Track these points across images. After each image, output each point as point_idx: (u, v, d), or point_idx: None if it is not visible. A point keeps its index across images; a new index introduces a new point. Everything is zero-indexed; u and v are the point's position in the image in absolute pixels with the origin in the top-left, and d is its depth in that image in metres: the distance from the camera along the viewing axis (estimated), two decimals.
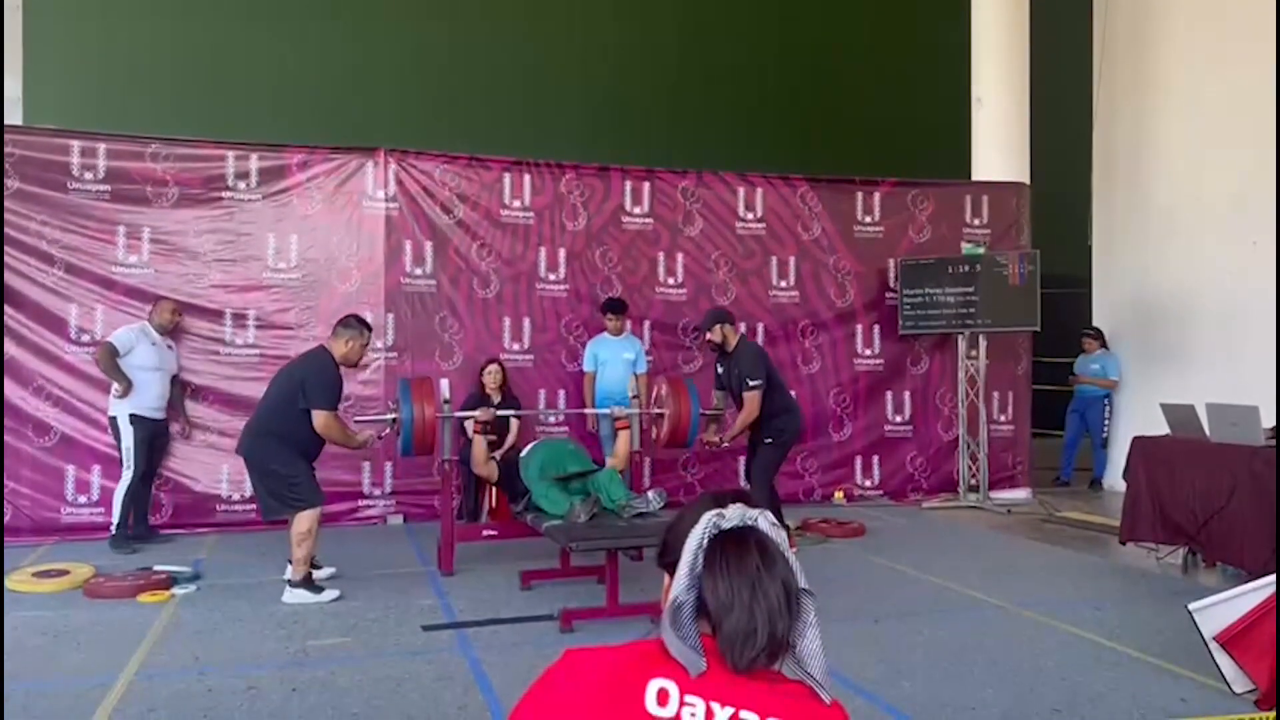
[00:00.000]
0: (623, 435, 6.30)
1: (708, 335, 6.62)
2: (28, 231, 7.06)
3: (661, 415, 6.42)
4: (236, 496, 7.42)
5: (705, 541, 1.18)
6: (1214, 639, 3.82)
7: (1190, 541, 5.94)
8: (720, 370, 6.75)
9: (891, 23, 14.36)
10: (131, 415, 6.66)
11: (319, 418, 5.43)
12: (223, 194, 7.49)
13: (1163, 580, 5.99)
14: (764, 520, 1.21)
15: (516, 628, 4.95)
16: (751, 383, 6.36)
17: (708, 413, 6.77)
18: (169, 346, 7.01)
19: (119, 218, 7.26)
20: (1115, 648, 4.61)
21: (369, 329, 5.83)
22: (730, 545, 1.18)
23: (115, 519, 6.64)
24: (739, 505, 1.22)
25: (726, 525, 1.19)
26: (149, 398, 6.74)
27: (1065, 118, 10.56)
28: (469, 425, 6.45)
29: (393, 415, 6.07)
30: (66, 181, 7.17)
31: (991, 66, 9.36)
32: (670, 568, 1.25)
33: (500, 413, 6.71)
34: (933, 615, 5.20)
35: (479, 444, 6.13)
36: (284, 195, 7.62)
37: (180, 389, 7.20)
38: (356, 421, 6.28)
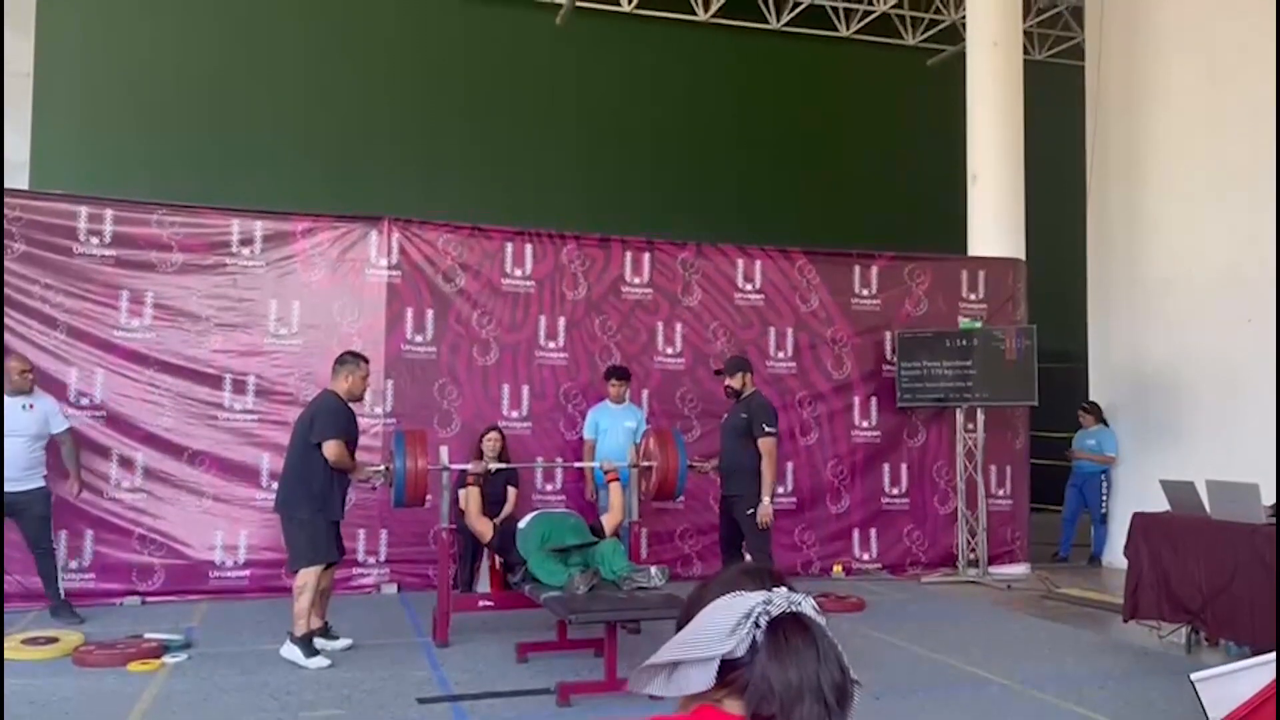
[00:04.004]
0: (614, 487, 6.33)
1: (727, 380, 6.85)
2: (31, 295, 7.08)
3: (650, 468, 6.42)
4: (230, 563, 7.35)
5: (761, 624, 1.16)
6: None
7: (1194, 619, 5.89)
8: (725, 417, 7.04)
9: (889, 100, 14.63)
10: None
11: (329, 448, 5.65)
12: (226, 260, 7.54)
13: (1166, 658, 5.92)
14: (808, 604, 1.19)
15: (512, 701, 4.88)
16: (768, 429, 6.57)
17: (695, 465, 6.88)
18: (26, 407, 6.41)
19: (123, 282, 7.29)
20: None
21: (365, 360, 6.07)
22: (793, 631, 1.16)
23: None
24: (784, 589, 1.20)
25: (777, 610, 1.17)
26: None
27: (1060, 194, 10.72)
28: (461, 494, 6.45)
29: (385, 465, 6.19)
30: (73, 246, 7.22)
31: (987, 143, 9.51)
32: None
33: (493, 466, 6.73)
34: (936, 692, 5.13)
35: (473, 496, 6.13)
36: (288, 262, 7.67)
37: (73, 445, 6.68)
38: None
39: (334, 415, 5.76)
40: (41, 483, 6.51)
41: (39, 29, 11.85)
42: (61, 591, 6.54)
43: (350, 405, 5.92)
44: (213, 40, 12.60)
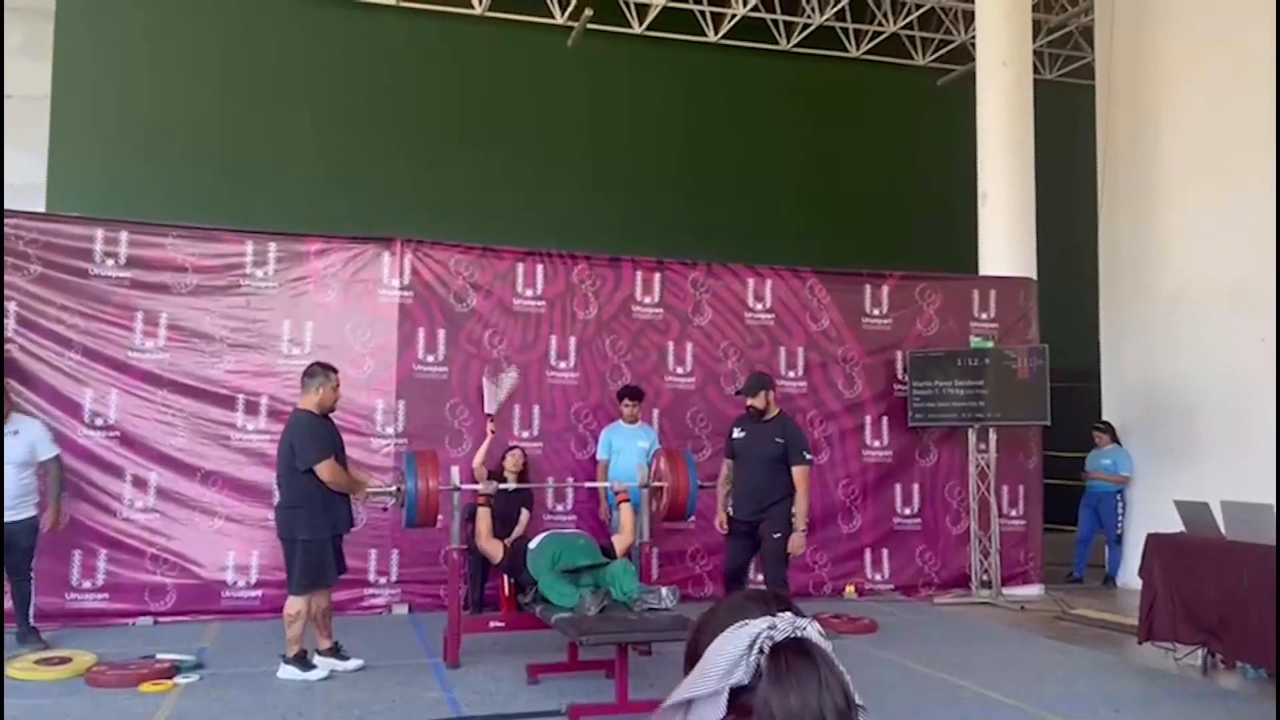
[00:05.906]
0: (625, 508, 6.31)
1: (750, 400, 6.48)
2: (46, 316, 7.13)
3: (661, 488, 6.41)
4: (242, 583, 7.36)
5: (765, 650, 1.15)
6: None
7: (1210, 641, 5.84)
8: (741, 435, 6.55)
9: (899, 120, 14.67)
10: None
11: (322, 469, 5.55)
12: (240, 281, 7.59)
13: (1181, 681, 5.87)
14: (813, 629, 1.19)
15: None
16: (807, 455, 6.36)
17: (707, 485, 6.77)
18: (12, 433, 6.16)
19: (137, 303, 7.35)
20: None
21: (334, 370, 5.93)
22: (794, 657, 1.15)
23: None
24: (789, 614, 1.20)
25: (781, 635, 1.17)
26: None
27: (1071, 212, 10.71)
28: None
29: (395, 486, 6.18)
30: (88, 267, 7.27)
31: (997, 163, 9.51)
32: None
33: (501, 486, 6.72)
34: (949, 716, 5.10)
35: (482, 517, 6.12)
36: (301, 283, 7.72)
37: (58, 474, 6.40)
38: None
39: (312, 435, 5.61)
40: (32, 511, 6.24)
41: (56, 53, 11.99)
42: (31, 618, 6.32)
43: (326, 418, 5.80)
44: (226, 65, 12.71)
